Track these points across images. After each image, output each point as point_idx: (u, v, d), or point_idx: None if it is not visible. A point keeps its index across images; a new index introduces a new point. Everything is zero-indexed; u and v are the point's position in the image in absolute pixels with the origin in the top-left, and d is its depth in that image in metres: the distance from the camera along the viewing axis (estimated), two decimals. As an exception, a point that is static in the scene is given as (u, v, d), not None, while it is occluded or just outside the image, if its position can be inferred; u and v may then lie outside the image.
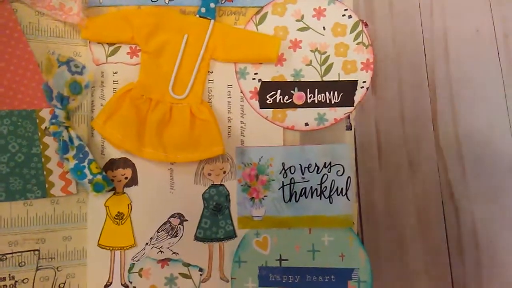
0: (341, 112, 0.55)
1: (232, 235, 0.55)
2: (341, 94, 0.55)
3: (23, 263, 0.52)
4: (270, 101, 0.56)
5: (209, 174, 0.55)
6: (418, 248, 0.49)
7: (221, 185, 0.56)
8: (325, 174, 0.55)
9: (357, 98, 0.55)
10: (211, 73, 0.56)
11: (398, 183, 0.49)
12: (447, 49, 0.51)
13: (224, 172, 0.56)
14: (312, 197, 0.55)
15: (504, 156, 0.50)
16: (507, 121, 0.50)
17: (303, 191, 0.55)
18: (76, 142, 0.53)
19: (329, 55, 0.56)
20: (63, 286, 0.54)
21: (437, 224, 0.50)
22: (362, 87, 0.55)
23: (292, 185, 0.55)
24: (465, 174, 0.50)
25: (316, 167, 0.55)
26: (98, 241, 0.55)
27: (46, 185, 0.53)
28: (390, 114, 0.50)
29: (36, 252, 0.53)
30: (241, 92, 0.56)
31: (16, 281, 0.52)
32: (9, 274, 0.52)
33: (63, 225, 0.54)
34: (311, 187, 0.55)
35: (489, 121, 0.50)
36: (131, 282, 0.54)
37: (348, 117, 0.56)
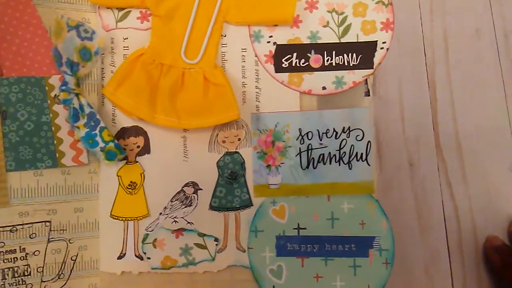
0: (360, 74, 0.53)
1: (248, 203, 0.54)
2: (360, 56, 0.53)
3: (34, 235, 0.51)
4: (285, 64, 0.54)
5: (224, 142, 0.54)
6: (418, 248, 0.48)
7: (236, 152, 0.54)
8: (344, 139, 0.53)
9: (377, 59, 0.53)
10: (224, 36, 0.54)
11: (398, 183, 0.48)
12: (447, 49, 0.50)
13: (239, 139, 0.54)
14: (330, 163, 0.53)
15: (504, 156, 0.49)
16: (507, 121, 0.49)
17: (321, 157, 0.53)
18: (87, 110, 0.52)
19: (347, 15, 0.54)
20: (75, 259, 0.53)
21: (437, 224, 0.49)
22: (382, 48, 0.53)
23: (310, 151, 0.53)
24: (465, 174, 0.49)
25: (335, 132, 0.53)
26: (111, 211, 0.53)
27: (57, 155, 0.52)
28: (390, 114, 0.48)
29: (48, 224, 0.52)
30: (256, 56, 0.54)
31: (27, 253, 0.51)
32: (20, 246, 0.51)
33: (75, 196, 0.53)
34: (330, 153, 0.53)
35: (489, 121, 0.49)
36: (145, 253, 0.53)
37: (366, 82, 0.54)
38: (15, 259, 0.50)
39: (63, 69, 0.51)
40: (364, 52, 0.53)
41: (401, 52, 0.50)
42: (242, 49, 0.54)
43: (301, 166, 0.53)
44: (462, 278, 0.50)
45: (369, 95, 0.54)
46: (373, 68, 0.53)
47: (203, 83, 0.52)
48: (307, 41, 0.54)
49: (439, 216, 0.50)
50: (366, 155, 0.53)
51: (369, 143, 0.53)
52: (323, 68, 0.54)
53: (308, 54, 0.54)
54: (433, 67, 0.50)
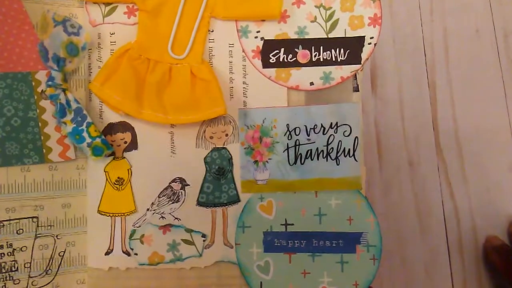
0: (347, 70, 0.53)
1: (235, 199, 0.53)
2: (348, 51, 0.53)
3: (21, 231, 0.51)
4: (273, 60, 0.53)
5: (211, 137, 0.54)
6: (418, 248, 0.48)
7: (223, 148, 0.54)
8: (332, 134, 0.53)
9: (364, 55, 0.53)
10: (212, 32, 0.54)
11: (398, 183, 0.48)
12: (447, 49, 0.50)
13: (227, 135, 0.54)
14: (318, 159, 0.53)
15: (504, 156, 0.49)
16: (507, 121, 0.49)
17: (309, 153, 0.53)
18: (74, 105, 0.51)
19: (334, 10, 0.53)
20: (63, 255, 0.52)
21: (437, 224, 0.49)
22: (369, 43, 0.53)
23: (297, 147, 0.53)
24: (465, 174, 0.49)
25: (322, 128, 0.53)
26: (98, 207, 0.53)
27: (44, 150, 0.51)
28: (390, 114, 0.49)
29: (35, 219, 0.52)
30: (243, 51, 0.54)
31: (14, 249, 0.51)
32: (7, 242, 0.51)
33: (62, 192, 0.53)
34: (317, 148, 0.53)
35: (489, 121, 0.49)
36: (132, 249, 0.53)
37: (355, 77, 0.54)
38: (2, 254, 0.50)
39: (49, 65, 0.51)
40: (352, 48, 0.53)
41: (401, 52, 0.49)
42: (229, 44, 0.54)
43: (289, 162, 0.53)
44: (462, 278, 0.50)
45: (358, 91, 0.54)
46: (361, 64, 0.53)
47: (190, 79, 0.52)
48: (295, 36, 0.53)
49: (439, 216, 0.50)
50: (354, 151, 0.52)
51: (356, 139, 0.52)
52: (310, 63, 0.53)
53: (296, 50, 0.53)
54: (433, 67, 0.50)
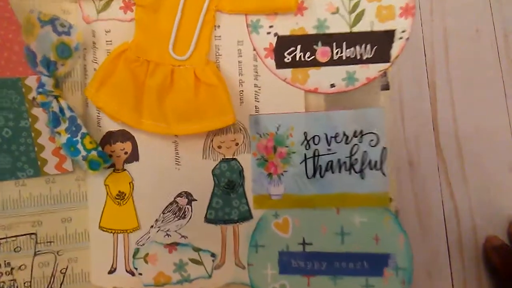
0: (374, 69, 0.48)
1: (247, 216, 0.49)
2: (375, 47, 0.48)
3: (19, 249, 0.49)
4: (288, 59, 0.49)
5: (219, 147, 0.49)
6: (419, 248, 0.49)
7: (233, 159, 0.49)
8: (356, 144, 0.48)
9: (395, 51, 0.48)
10: (218, 27, 0.49)
11: (398, 183, 0.49)
12: (447, 49, 0.51)
13: (237, 144, 0.49)
14: (340, 171, 0.48)
15: (504, 156, 0.50)
16: (507, 121, 0.51)
17: (329, 165, 0.48)
18: (68, 114, 0.47)
19: (359, 0, 0.48)
20: (65, 272, 0.50)
21: (437, 224, 0.50)
22: (401, 38, 0.47)
23: (316, 158, 0.49)
24: (465, 174, 0.50)
25: (345, 137, 0.48)
26: (99, 223, 0.50)
27: (39, 163, 0.48)
28: (390, 114, 0.49)
29: (33, 236, 0.49)
30: (254, 49, 0.50)
31: (12, 268, 0.49)
32: (5, 261, 0.49)
33: (61, 205, 0.50)
34: (339, 160, 0.48)
35: (489, 121, 0.51)
36: (136, 269, 0.50)
37: (385, 74, 0.48)
38: (0, 274, 0.48)
39: (38, 70, 0.47)
40: (380, 43, 0.48)
41: (400, 52, 0.50)
42: (238, 41, 0.50)
43: (307, 175, 0.49)
44: (462, 278, 0.50)
45: (388, 89, 0.49)
46: (389, 62, 0.48)
47: (194, 83, 0.48)
48: (313, 31, 0.49)
49: (439, 216, 0.50)
50: (381, 163, 0.48)
51: (384, 150, 0.48)
52: (331, 62, 0.49)
53: (315, 47, 0.49)
54: (433, 67, 0.51)
